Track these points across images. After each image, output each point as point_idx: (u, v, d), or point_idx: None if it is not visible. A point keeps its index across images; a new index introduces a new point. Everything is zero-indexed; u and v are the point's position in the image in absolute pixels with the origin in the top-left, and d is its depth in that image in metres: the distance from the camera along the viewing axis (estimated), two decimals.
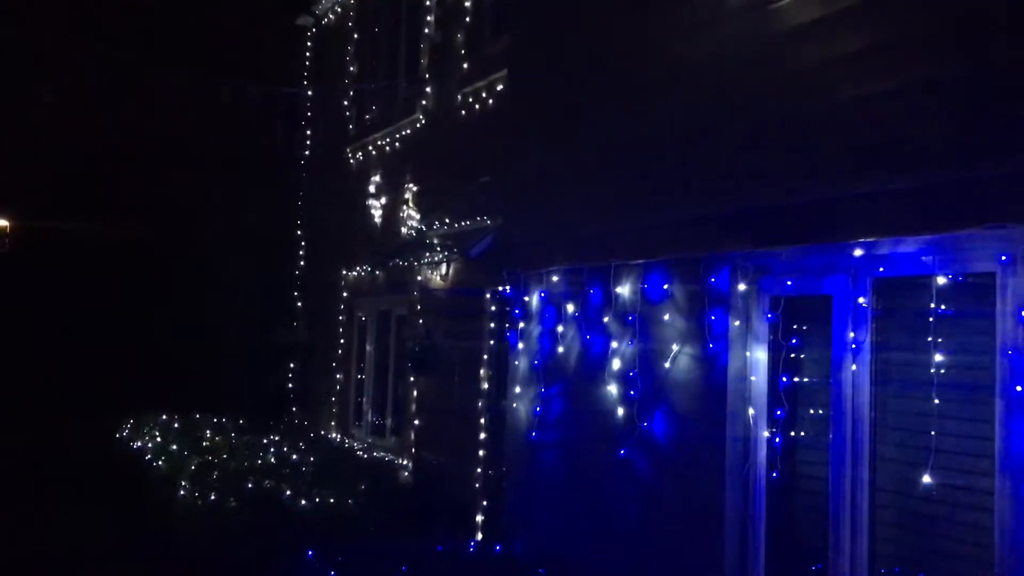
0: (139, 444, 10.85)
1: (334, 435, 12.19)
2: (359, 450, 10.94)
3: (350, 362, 12.31)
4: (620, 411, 5.43)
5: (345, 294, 12.45)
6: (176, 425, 11.30)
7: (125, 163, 15.80)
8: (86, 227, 15.30)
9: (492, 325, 8.50)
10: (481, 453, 8.39)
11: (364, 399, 11.83)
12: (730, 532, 4.59)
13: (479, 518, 8.06)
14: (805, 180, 4.20)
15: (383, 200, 11.47)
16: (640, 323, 5.29)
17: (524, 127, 7.04)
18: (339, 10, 13.73)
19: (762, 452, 4.59)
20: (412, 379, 9.92)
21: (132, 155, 15.80)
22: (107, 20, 15.33)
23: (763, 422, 4.60)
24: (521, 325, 6.59)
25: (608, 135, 5.72)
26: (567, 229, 6.08)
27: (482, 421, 8.46)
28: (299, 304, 14.07)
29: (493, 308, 8.54)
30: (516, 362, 6.63)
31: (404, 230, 10.60)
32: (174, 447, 9.90)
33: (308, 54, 14.66)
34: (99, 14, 15.38)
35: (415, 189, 10.60)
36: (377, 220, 11.54)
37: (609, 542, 5.45)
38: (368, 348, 11.90)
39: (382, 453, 10.54)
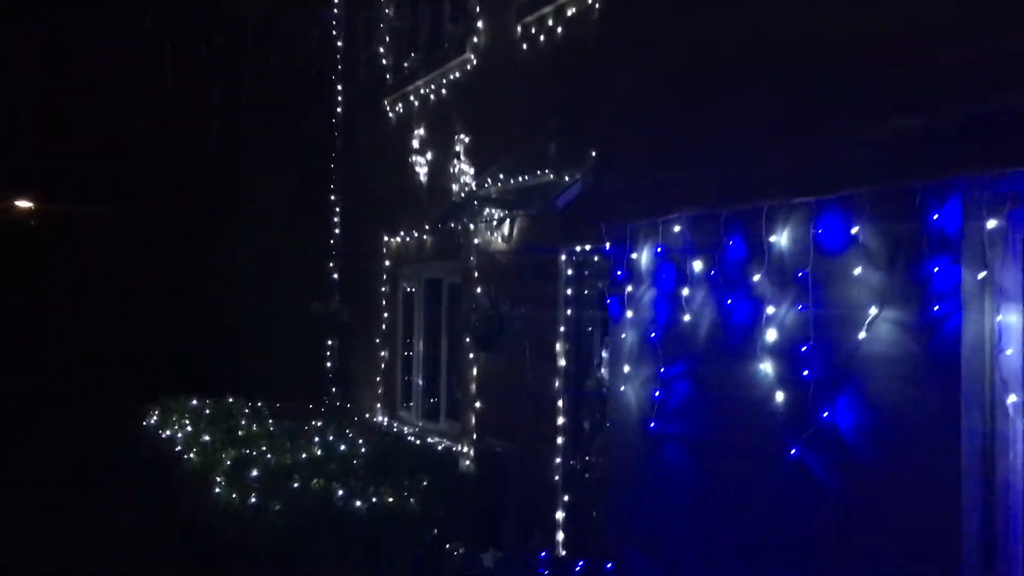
0: (168, 433, 9.81)
1: (380, 419, 11.05)
2: (410, 435, 9.83)
3: (395, 338, 11.15)
4: (781, 397, 4.16)
5: (388, 262, 11.25)
6: (208, 411, 10.23)
7: (146, 136, 14.88)
8: (109, 204, 14.58)
9: (569, 291, 7.31)
10: (559, 441, 7.24)
11: (413, 379, 10.68)
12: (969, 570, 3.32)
13: (559, 516, 6.94)
14: None
15: (429, 155, 10.23)
16: (812, 282, 3.99)
17: (617, 53, 5.71)
18: None
19: (1019, 452, 3.31)
20: (471, 356, 8.74)
21: (152, 126, 14.86)
22: None
23: (1022, 411, 3.31)
24: (628, 289, 5.30)
25: (751, 35, 4.37)
26: (691, 168, 4.77)
27: (560, 404, 7.30)
28: (336, 275, 12.92)
29: (570, 272, 7.33)
30: (623, 335, 5.35)
31: (456, 187, 9.38)
32: (207, 437, 8.82)
33: (337, 1, 13.38)
34: None
35: (468, 140, 9.35)
36: (423, 178, 10.32)
37: None
38: (416, 322, 10.72)
39: (436, 439, 9.42)
